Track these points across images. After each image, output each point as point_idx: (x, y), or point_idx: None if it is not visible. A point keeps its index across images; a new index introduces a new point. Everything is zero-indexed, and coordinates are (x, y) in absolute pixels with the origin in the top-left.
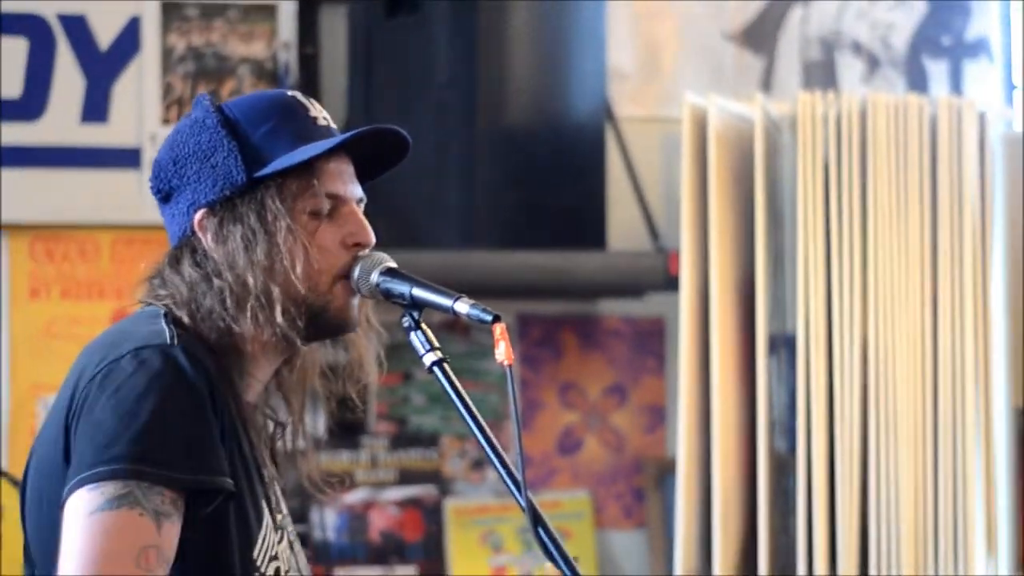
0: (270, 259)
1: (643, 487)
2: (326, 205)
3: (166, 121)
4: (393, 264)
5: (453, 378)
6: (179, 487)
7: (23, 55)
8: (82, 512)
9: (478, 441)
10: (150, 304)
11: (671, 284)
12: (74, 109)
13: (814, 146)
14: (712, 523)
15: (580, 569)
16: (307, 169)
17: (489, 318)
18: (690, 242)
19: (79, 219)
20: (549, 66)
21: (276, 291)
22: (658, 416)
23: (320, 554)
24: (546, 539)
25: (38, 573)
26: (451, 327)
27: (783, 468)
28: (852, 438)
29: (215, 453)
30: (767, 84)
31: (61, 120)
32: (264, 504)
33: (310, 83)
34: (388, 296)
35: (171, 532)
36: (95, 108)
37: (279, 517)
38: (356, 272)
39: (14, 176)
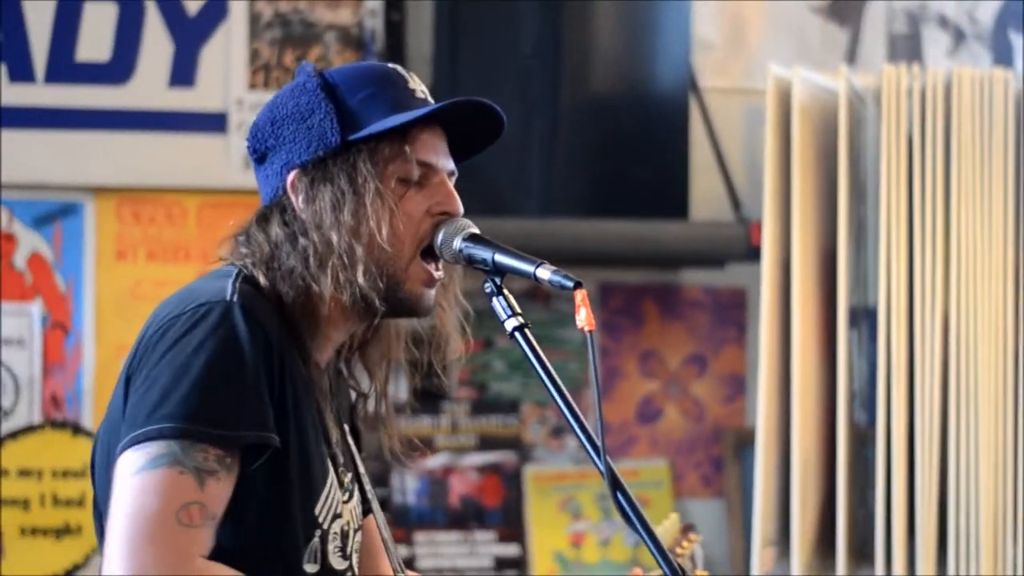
0: (356, 220)
1: (722, 456)
2: (416, 172)
3: (252, 86)
4: (476, 230)
5: (534, 343)
6: (225, 444)
7: (112, 19)
8: (126, 473)
9: (558, 406)
10: (229, 263)
11: (752, 255)
12: (162, 74)
13: (898, 119)
14: (791, 494)
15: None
16: (400, 136)
17: (570, 284)
18: (772, 213)
19: (166, 183)
20: (634, 36)
21: (360, 251)
22: (738, 386)
23: (400, 518)
24: (624, 504)
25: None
26: (532, 295)
27: (862, 440)
28: (932, 411)
29: (263, 410)
30: (852, 56)
31: (149, 84)
32: (329, 463)
33: (396, 50)
34: (471, 262)
35: (217, 488)
36: (183, 73)
37: (347, 477)
38: (439, 237)
39: (102, 139)
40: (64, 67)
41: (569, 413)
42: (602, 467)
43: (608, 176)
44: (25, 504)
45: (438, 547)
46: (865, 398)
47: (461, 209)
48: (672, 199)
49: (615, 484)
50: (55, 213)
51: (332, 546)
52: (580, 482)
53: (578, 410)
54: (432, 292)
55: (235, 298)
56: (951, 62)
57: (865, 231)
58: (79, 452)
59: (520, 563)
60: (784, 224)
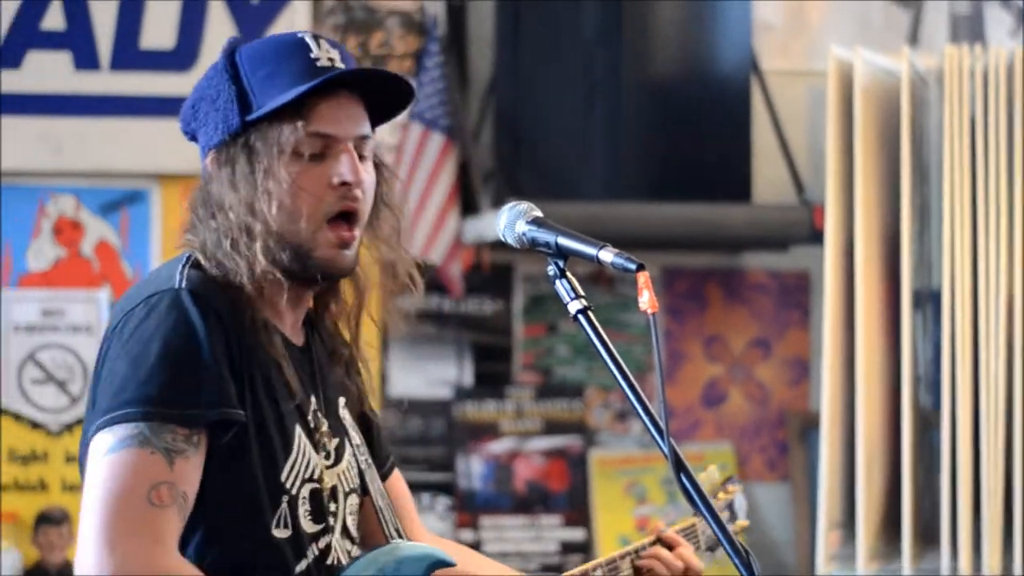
0: (251, 197)
1: (787, 440)
2: (310, 146)
3: None
4: (539, 213)
5: (597, 326)
6: (191, 423)
7: (176, 7)
8: (97, 454)
9: (621, 389)
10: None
11: (816, 238)
12: None
13: (961, 100)
14: (856, 477)
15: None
16: (297, 111)
17: (633, 266)
18: (835, 196)
19: None
20: (695, 19)
21: (256, 227)
22: (802, 369)
23: (465, 503)
24: (688, 485)
25: None
26: (595, 279)
27: (927, 423)
28: (997, 393)
29: (223, 387)
30: (914, 38)
31: None
32: (298, 428)
33: (457, 35)
34: (534, 245)
35: (186, 468)
36: None
37: (333, 443)
38: (503, 221)
39: (167, 126)
40: (129, 55)
41: (633, 395)
42: (666, 449)
43: (671, 160)
44: None
45: (503, 532)
46: (930, 381)
47: (359, 177)
48: (735, 182)
49: (679, 466)
50: (121, 200)
51: (302, 510)
52: (645, 466)
53: (642, 393)
54: (347, 252)
55: (183, 284)
56: (1014, 42)
57: (928, 213)
58: None
59: (585, 547)
60: (847, 207)
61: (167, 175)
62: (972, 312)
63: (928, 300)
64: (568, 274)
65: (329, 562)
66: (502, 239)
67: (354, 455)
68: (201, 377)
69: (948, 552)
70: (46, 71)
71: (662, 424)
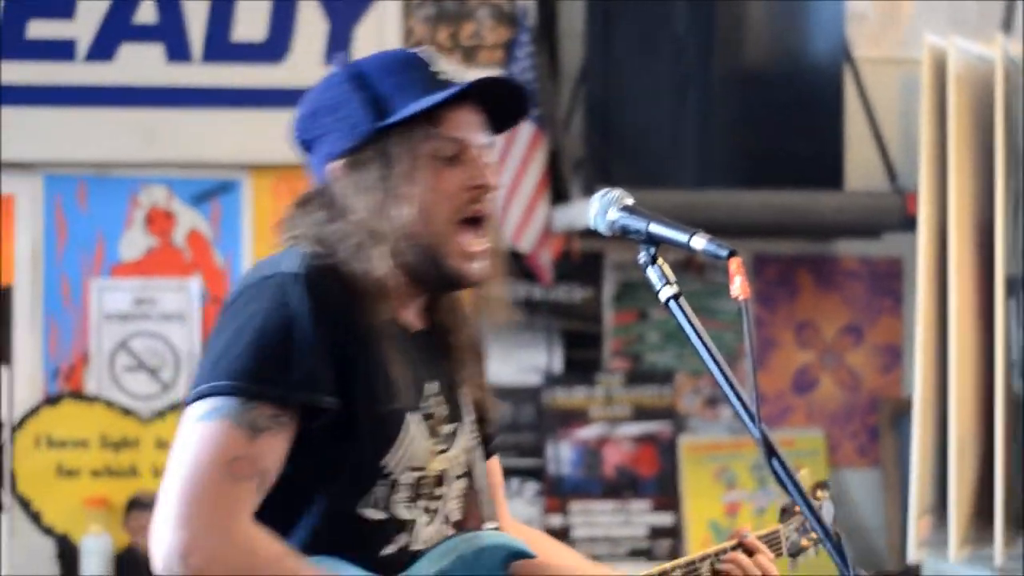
0: (385, 204)
1: (878, 426)
2: (448, 149)
3: None
4: (631, 201)
5: (689, 312)
6: (277, 402)
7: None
8: (187, 422)
9: (711, 374)
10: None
11: (908, 225)
12: (316, 52)
13: None
14: (948, 463)
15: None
16: (429, 118)
17: (724, 253)
18: (929, 183)
19: None
20: (787, 7)
21: (387, 231)
22: (894, 356)
23: (555, 488)
24: (779, 470)
25: None
26: (686, 266)
27: (1021, 409)
28: None
29: (316, 372)
30: (1008, 25)
31: (304, 62)
32: (409, 416)
33: (548, 27)
34: (625, 232)
35: (269, 445)
36: (337, 50)
37: (447, 429)
38: (595, 209)
39: (258, 117)
40: (221, 46)
41: (724, 380)
42: (757, 434)
43: (763, 147)
44: None
45: (593, 516)
46: (1022, 368)
47: (495, 181)
48: (827, 170)
49: (770, 451)
50: (213, 191)
51: (401, 495)
52: (735, 452)
53: (733, 378)
54: (477, 265)
55: (301, 271)
56: None
57: (1022, 200)
58: None
59: (675, 532)
60: (940, 194)
61: (258, 165)
62: None
63: (1022, 287)
64: (660, 261)
65: (416, 548)
66: (593, 227)
67: (467, 439)
68: (294, 359)
69: None
70: (139, 63)
71: (754, 410)
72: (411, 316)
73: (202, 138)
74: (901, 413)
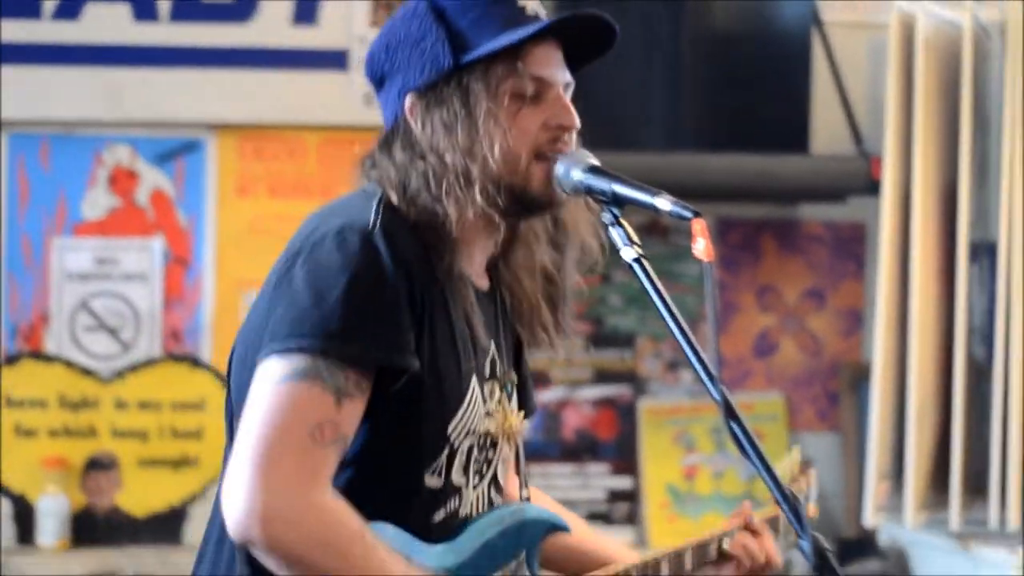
0: (469, 140)
1: (838, 391)
2: (530, 88)
3: (374, 23)
4: (596, 162)
5: (652, 274)
6: (364, 367)
7: None
8: (269, 379)
9: (673, 335)
10: (366, 188)
11: (873, 189)
12: (284, 12)
13: (1023, 53)
14: (906, 428)
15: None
16: (513, 54)
17: (689, 214)
18: (894, 147)
19: (287, 119)
20: None
21: (475, 171)
22: (855, 320)
23: None
24: (739, 433)
25: None
26: (650, 229)
27: (979, 375)
28: None
29: (402, 335)
30: None
31: (271, 22)
32: (474, 379)
33: None
34: (590, 192)
35: (351, 411)
36: (305, 10)
37: (499, 392)
38: (559, 169)
39: (225, 77)
40: (188, 6)
41: (685, 342)
42: (717, 396)
43: (730, 110)
44: (144, 436)
45: (551, 479)
46: (983, 333)
47: (577, 121)
48: (793, 133)
49: (729, 413)
50: (177, 150)
51: (457, 462)
52: (694, 415)
53: (695, 340)
54: (557, 187)
55: (377, 225)
56: None
57: (987, 165)
58: (198, 386)
59: (633, 496)
60: (905, 158)
61: (223, 125)
62: None
63: (984, 252)
64: (623, 222)
65: (464, 513)
66: (558, 188)
67: (514, 403)
68: (383, 322)
69: (997, 504)
70: (105, 22)
71: (714, 371)
72: (477, 274)
73: (167, 97)
74: (861, 378)
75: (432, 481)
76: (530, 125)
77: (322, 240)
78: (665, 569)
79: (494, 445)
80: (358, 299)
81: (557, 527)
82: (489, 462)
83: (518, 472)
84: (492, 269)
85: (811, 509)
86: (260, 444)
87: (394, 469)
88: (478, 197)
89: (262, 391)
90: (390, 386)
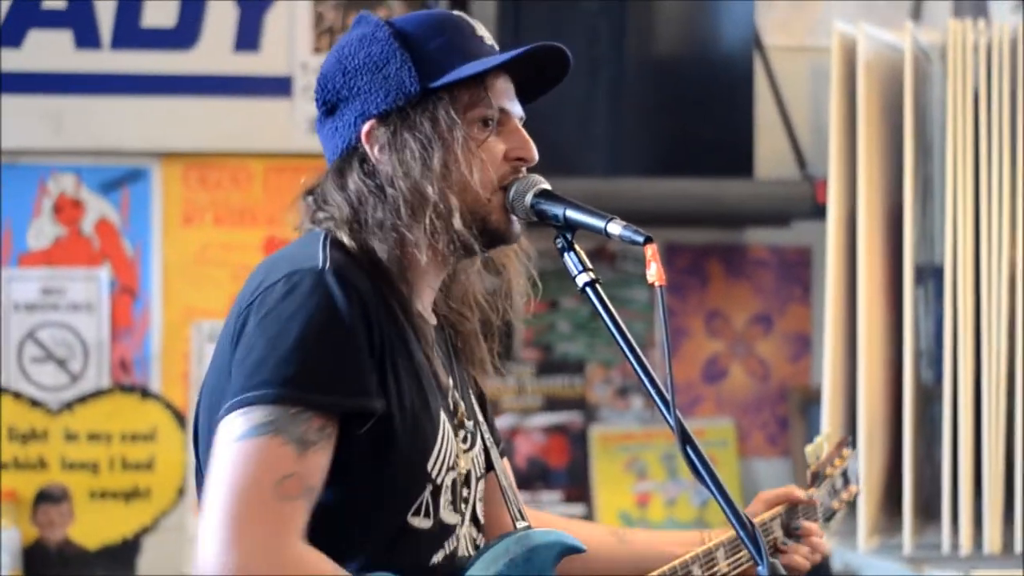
0: (446, 167)
1: (787, 415)
2: (494, 115)
3: (317, 50)
4: (547, 186)
5: (605, 299)
6: (326, 412)
7: None
8: (228, 438)
9: (628, 360)
10: (311, 228)
11: (818, 213)
12: (227, 38)
13: (964, 75)
14: (856, 452)
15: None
16: (478, 82)
17: (641, 239)
18: (838, 171)
19: (232, 147)
20: None
21: (453, 199)
22: (803, 345)
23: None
24: (694, 458)
25: None
26: (598, 254)
27: (929, 398)
28: (999, 368)
29: (364, 376)
30: (917, 13)
31: (214, 49)
32: (442, 414)
33: (459, 10)
34: (542, 217)
35: (316, 460)
36: (247, 37)
37: (469, 424)
38: (511, 194)
39: (168, 104)
40: (130, 33)
41: (640, 368)
42: (672, 421)
43: (673, 135)
44: (94, 468)
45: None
46: (932, 356)
47: (536, 154)
48: (737, 157)
49: (685, 439)
50: (122, 179)
51: (444, 499)
52: (646, 442)
53: (649, 365)
54: (516, 220)
55: (327, 264)
56: (1016, 18)
57: (931, 188)
58: (148, 416)
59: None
60: (850, 182)
61: (168, 153)
62: (974, 287)
63: (930, 275)
64: (576, 247)
65: (460, 553)
66: (509, 212)
67: (482, 436)
68: (341, 364)
69: (949, 527)
70: (47, 49)
71: (668, 397)
72: (427, 308)
73: (111, 125)
74: (810, 402)
75: (420, 522)
76: (494, 154)
77: (272, 288)
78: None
79: (468, 483)
80: (313, 343)
81: (570, 548)
82: (466, 500)
83: (507, 505)
84: (440, 303)
85: (852, 489)
86: (226, 506)
87: (377, 514)
88: (457, 224)
89: (223, 451)
90: (357, 429)
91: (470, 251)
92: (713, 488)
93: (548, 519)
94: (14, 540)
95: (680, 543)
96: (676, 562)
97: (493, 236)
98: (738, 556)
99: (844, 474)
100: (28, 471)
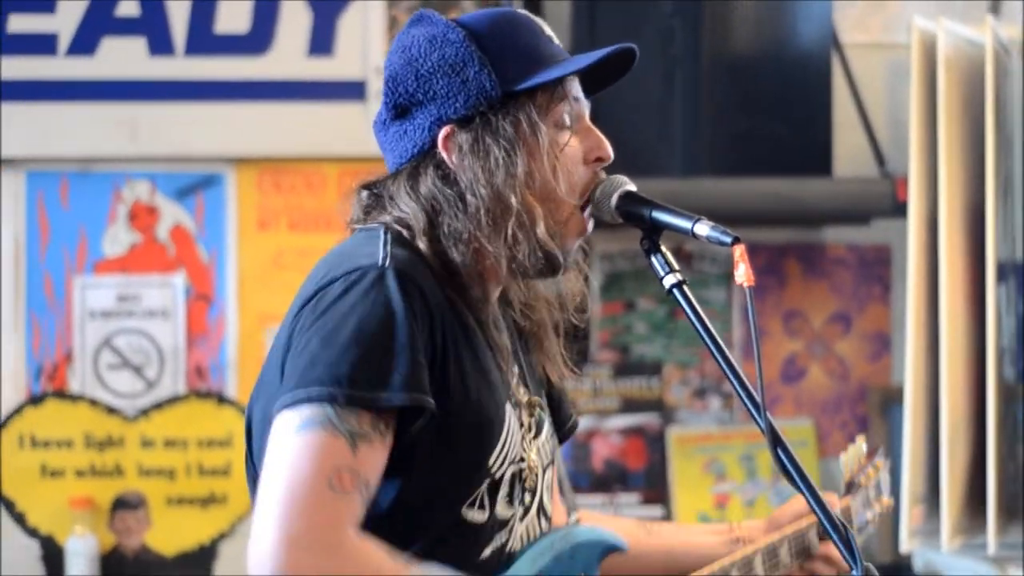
0: (531, 174)
1: (867, 415)
2: (570, 117)
3: None
4: (633, 187)
5: (692, 300)
6: (376, 408)
7: None
8: (282, 433)
9: (716, 362)
10: (369, 225)
11: (898, 211)
12: (300, 43)
13: None
14: (939, 451)
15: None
16: (555, 84)
17: (729, 240)
18: (918, 168)
19: (306, 152)
20: None
21: (537, 208)
22: (883, 344)
23: None
24: (785, 460)
25: None
26: (675, 254)
27: (1011, 396)
28: None
29: (415, 373)
30: (995, 7)
31: (288, 54)
32: (508, 408)
33: (534, 13)
34: (627, 219)
35: (369, 454)
36: (321, 42)
37: (536, 413)
38: (596, 195)
39: (242, 110)
40: (203, 39)
41: (728, 369)
42: (762, 424)
43: (751, 134)
44: (171, 474)
45: (582, 511)
46: (1014, 354)
47: (611, 152)
48: (816, 156)
49: (776, 440)
50: (197, 185)
51: (501, 493)
52: (724, 443)
53: (736, 365)
54: (577, 244)
55: (388, 262)
56: None
57: (1013, 185)
58: (224, 422)
59: None
60: (930, 179)
61: (242, 159)
62: None
63: (1012, 272)
64: (663, 248)
65: (512, 548)
66: (595, 214)
67: (548, 426)
68: (393, 362)
69: None
70: (121, 57)
71: (759, 398)
72: (494, 296)
73: (185, 132)
74: (890, 402)
75: (474, 515)
76: (572, 156)
77: (330, 285)
78: (759, 568)
79: (534, 473)
80: (368, 341)
81: (613, 547)
82: (533, 491)
83: (563, 496)
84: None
85: (885, 501)
86: (280, 500)
87: (434, 506)
88: (540, 233)
89: (276, 446)
90: (413, 426)
91: (552, 262)
92: (805, 490)
93: (598, 517)
94: (91, 547)
95: (709, 532)
96: (738, 555)
97: (565, 260)
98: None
99: (877, 485)
100: (105, 478)
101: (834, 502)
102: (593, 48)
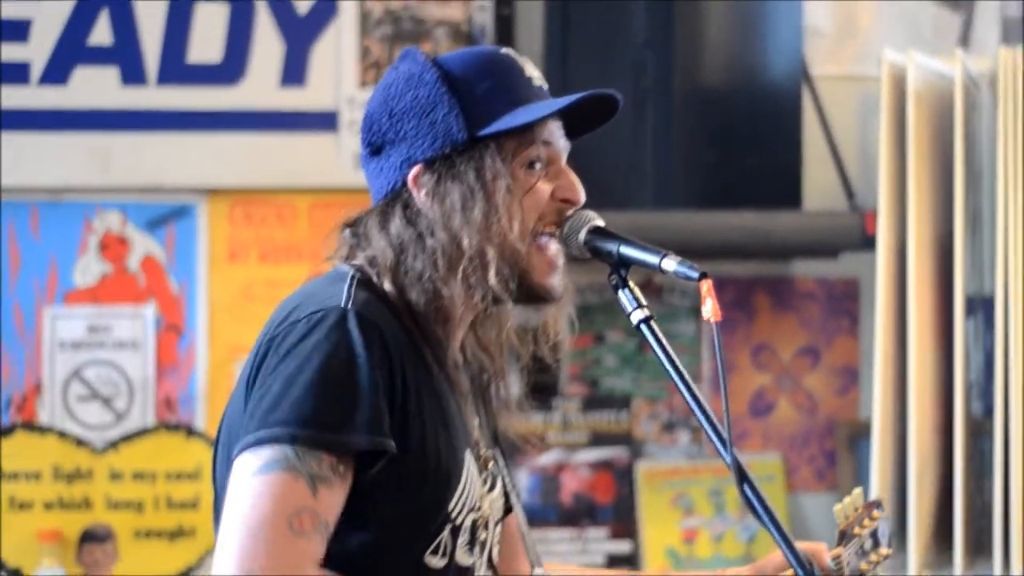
0: (487, 219)
1: (835, 450)
2: (542, 158)
3: (363, 84)
4: (600, 222)
5: (660, 336)
6: (337, 450)
7: (223, 20)
8: (242, 475)
9: (684, 398)
10: (342, 264)
11: (867, 244)
12: (273, 73)
13: (1015, 103)
14: (907, 486)
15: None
16: (526, 128)
17: (696, 275)
18: (888, 201)
19: (278, 183)
20: (745, 25)
21: (491, 252)
22: (851, 378)
23: None
24: (752, 496)
25: None
26: (644, 287)
27: (979, 431)
28: None
29: (376, 416)
30: (965, 42)
31: (260, 85)
32: (468, 455)
33: (506, 45)
34: (595, 254)
35: (329, 496)
36: (294, 72)
37: (491, 466)
38: (564, 230)
39: (214, 141)
40: (176, 69)
41: (695, 405)
42: (728, 460)
43: (721, 167)
44: (139, 507)
45: (550, 545)
46: (982, 388)
47: (583, 196)
48: (785, 189)
49: (742, 477)
50: (168, 215)
51: (461, 540)
52: (692, 477)
53: (704, 401)
54: (558, 277)
55: (350, 305)
56: None
57: (981, 218)
58: (193, 454)
59: (632, 560)
60: (899, 212)
61: (214, 189)
62: None
63: (980, 306)
64: (631, 283)
65: None
66: (562, 248)
67: (503, 479)
68: (354, 404)
69: (1000, 562)
70: (93, 86)
71: (725, 434)
72: (456, 346)
73: (157, 162)
74: (858, 436)
75: (435, 561)
76: (540, 197)
77: (293, 327)
78: None
79: (486, 526)
80: (329, 383)
81: None
82: (483, 543)
83: (526, 550)
84: (468, 339)
85: (883, 552)
86: (240, 541)
87: (393, 551)
88: (492, 279)
89: (237, 487)
90: (372, 469)
91: (503, 304)
92: (772, 527)
93: (566, 568)
94: None
95: None
96: None
97: (533, 292)
98: None
99: (874, 535)
100: (73, 511)
101: (821, 552)
102: (565, 81)
